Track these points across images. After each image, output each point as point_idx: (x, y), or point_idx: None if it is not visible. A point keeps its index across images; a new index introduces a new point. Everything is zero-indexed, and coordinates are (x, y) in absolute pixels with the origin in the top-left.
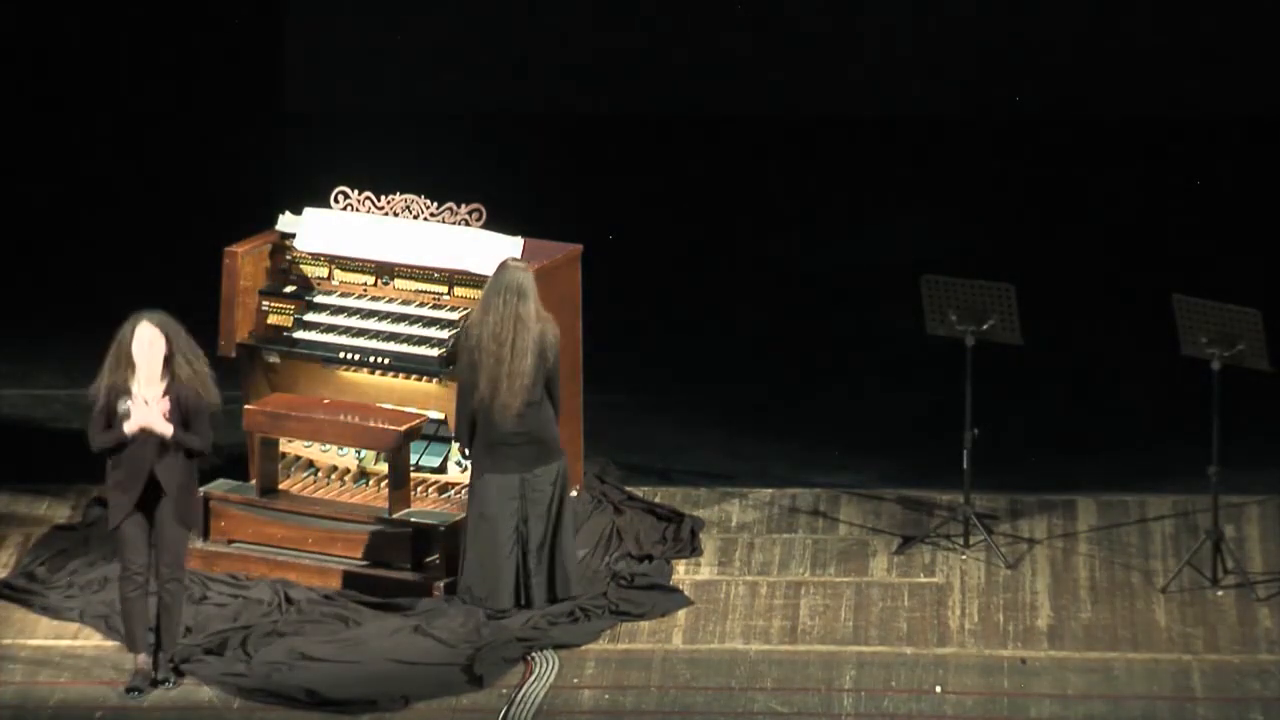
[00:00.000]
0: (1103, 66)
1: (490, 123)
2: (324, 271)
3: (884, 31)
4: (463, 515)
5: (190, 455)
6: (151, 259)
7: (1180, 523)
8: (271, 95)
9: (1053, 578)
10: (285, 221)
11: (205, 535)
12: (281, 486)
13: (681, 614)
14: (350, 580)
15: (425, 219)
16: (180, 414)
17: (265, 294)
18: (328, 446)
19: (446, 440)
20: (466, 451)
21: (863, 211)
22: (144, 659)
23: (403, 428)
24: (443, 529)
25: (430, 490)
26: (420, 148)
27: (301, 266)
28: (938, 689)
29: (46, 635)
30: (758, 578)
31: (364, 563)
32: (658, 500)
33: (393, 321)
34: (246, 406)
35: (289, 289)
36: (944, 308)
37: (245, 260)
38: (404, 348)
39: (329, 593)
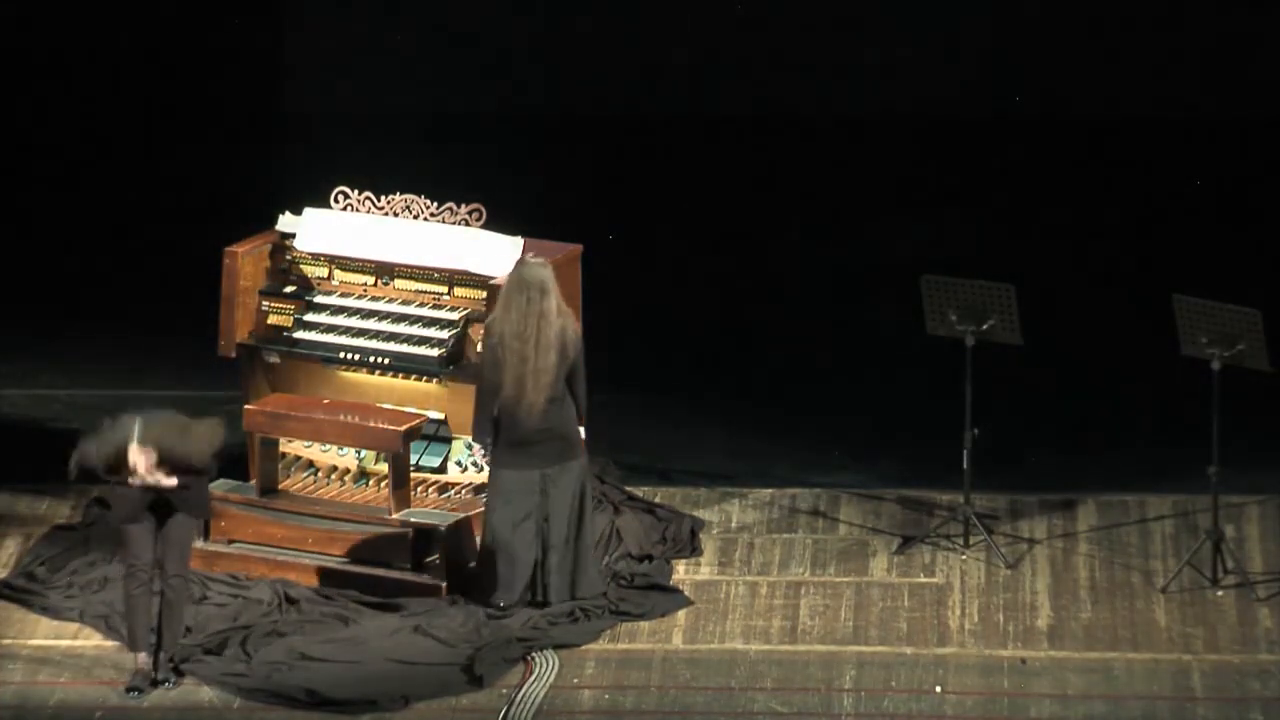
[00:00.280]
0: (1103, 66)
1: (490, 123)
2: (324, 271)
3: (884, 31)
4: (463, 516)
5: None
6: (151, 259)
7: (1180, 523)
8: (271, 95)
9: (1053, 578)
10: (285, 221)
11: (205, 535)
12: (281, 486)
13: (681, 614)
14: (350, 580)
15: (425, 219)
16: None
17: (265, 294)
18: (328, 446)
19: (446, 440)
20: (486, 449)
21: (862, 211)
22: (144, 658)
23: (403, 428)
24: (443, 529)
25: (430, 490)
26: (420, 148)
27: (301, 266)
28: (938, 689)
29: (46, 635)
30: (758, 578)
31: (364, 563)
32: (658, 500)
33: (393, 321)
34: (246, 406)
35: (289, 289)
36: (944, 308)
37: (245, 260)
38: (404, 348)
39: (329, 593)
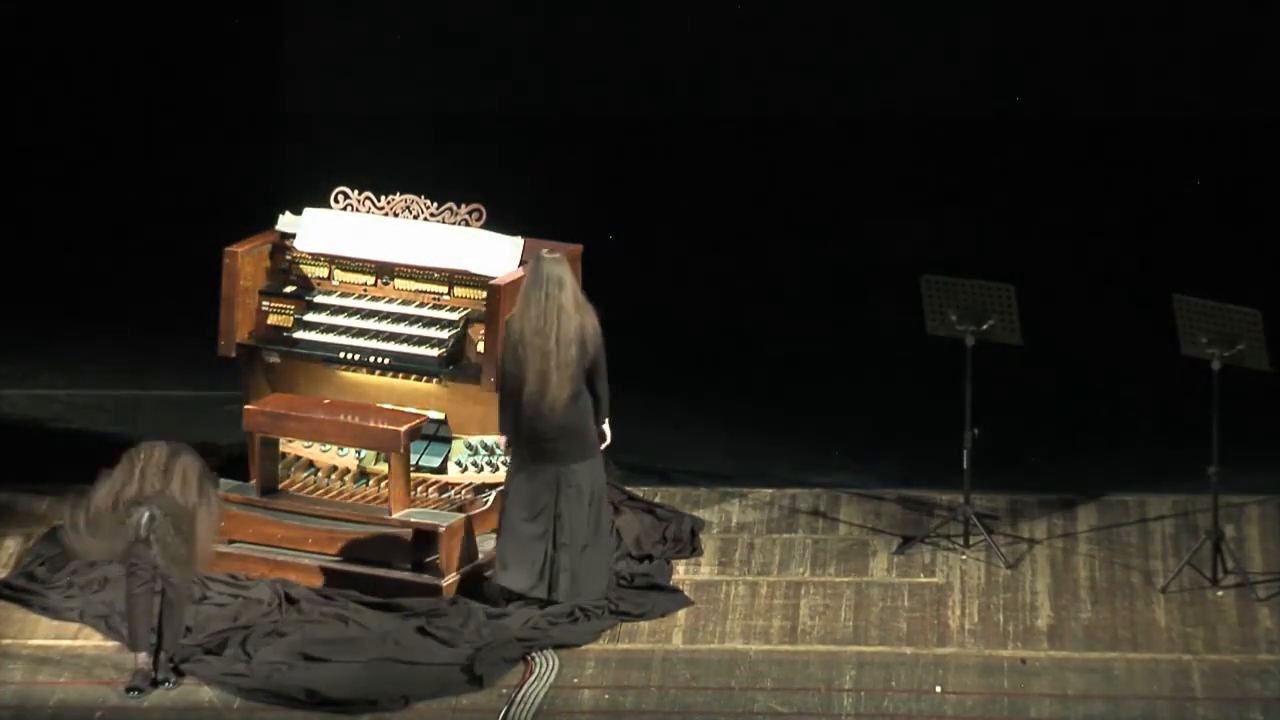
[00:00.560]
0: (1103, 66)
1: (490, 123)
2: (324, 271)
3: (884, 31)
4: (463, 516)
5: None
6: (151, 259)
7: (1180, 523)
8: (271, 95)
9: (1053, 578)
10: (285, 221)
11: None
12: (281, 486)
13: (681, 614)
14: (350, 580)
15: (425, 219)
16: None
17: (265, 294)
18: (328, 446)
19: (446, 440)
20: (506, 444)
21: (862, 211)
22: (144, 658)
23: (403, 428)
24: (443, 529)
25: (430, 490)
26: (420, 148)
27: (301, 266)
28: (938, 689)
29: (46, 635)
30: (758, 578)
31: (364, 563)
32: (658, 500)
33: (393, 321)
34: (246, 406)
35: (289, 289)
36: (944, 308)
37: (245, 260)
38: (404, 348)
39: (329, 593)
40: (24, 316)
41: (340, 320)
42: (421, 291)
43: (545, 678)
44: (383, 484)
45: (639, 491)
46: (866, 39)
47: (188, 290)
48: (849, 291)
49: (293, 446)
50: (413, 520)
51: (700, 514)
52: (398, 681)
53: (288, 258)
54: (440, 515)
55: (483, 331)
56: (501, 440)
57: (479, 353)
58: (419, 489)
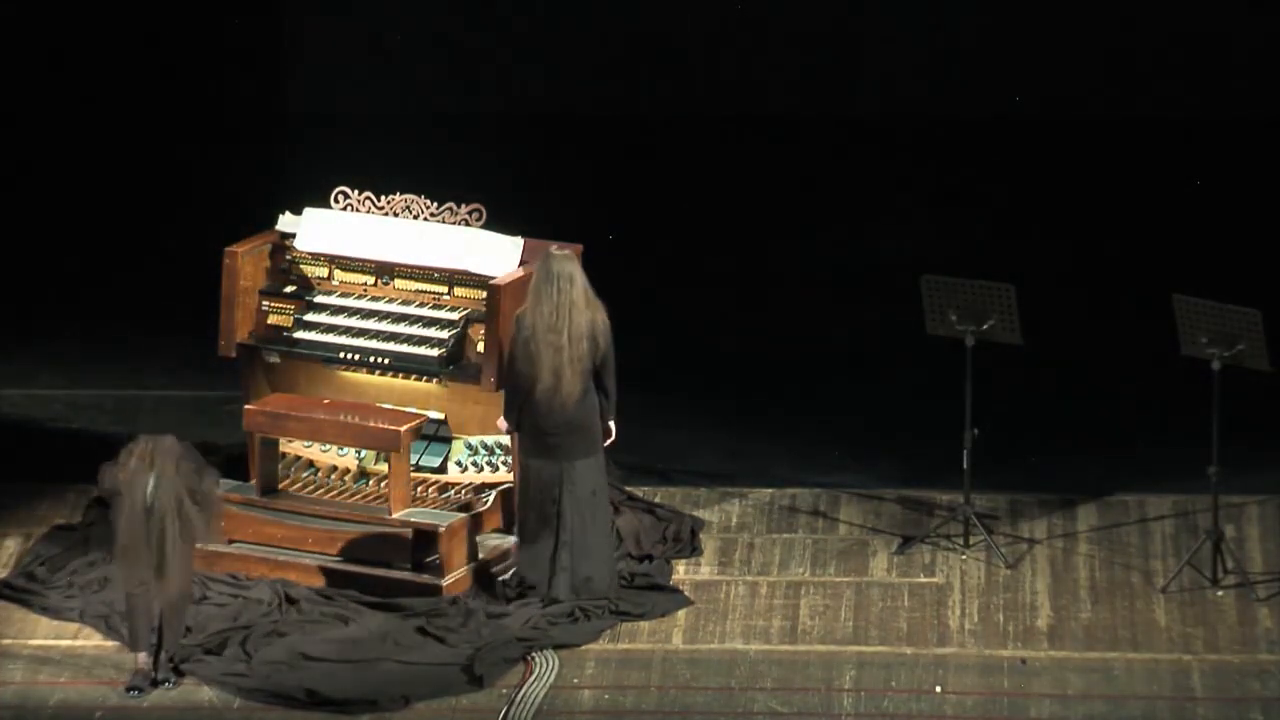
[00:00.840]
0: (1103, 66)
1: (490, 123)
2: (324, 271)
3: (884, 31)
4: (463, 516)
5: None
6: (152, 259)
7: (1180, 523)
8: (271, 95)
9: (1053, 578)
10: (285, 221)
11: None
12: (281, 486)
13: (681, 614)
14: (350, 580)
15: (425, 219)
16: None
17: (265, 294)
18: (328, 446)
19: (446, 440)
20: (514, 428)
21: (863, 211)
22: (145, 658)
23: (403, 428)
24: (443, 529)
25: (430, 490)
26: (420, 148)
27: (301, 266)
28: (938, 689)
29: (46, 635)
30: (758, 578)
31: (364, 563)
32: (658, 500)
33: (393, 321)
34: (246, 406)
35: (289, 289)
36: (944, 308)
37: (245, 260)
38: (404, 348)
39: (329, 593)
40: (24, 316)
41: (340, 320)
42: (421, 291)
43: (545, 678)
44: (383, 484)
45: (639, 491)
46: (866, 39)
47: (188, 290)
48: (849, 291)
49: (293, 446)
50: (413, 520)
51: (700, 514)
52: (398, 681)
53: (288, 258)
54: (440, 515)
55: (483, 331)
56: (503, 424)
57: (479, 353)
58: (419, 489)
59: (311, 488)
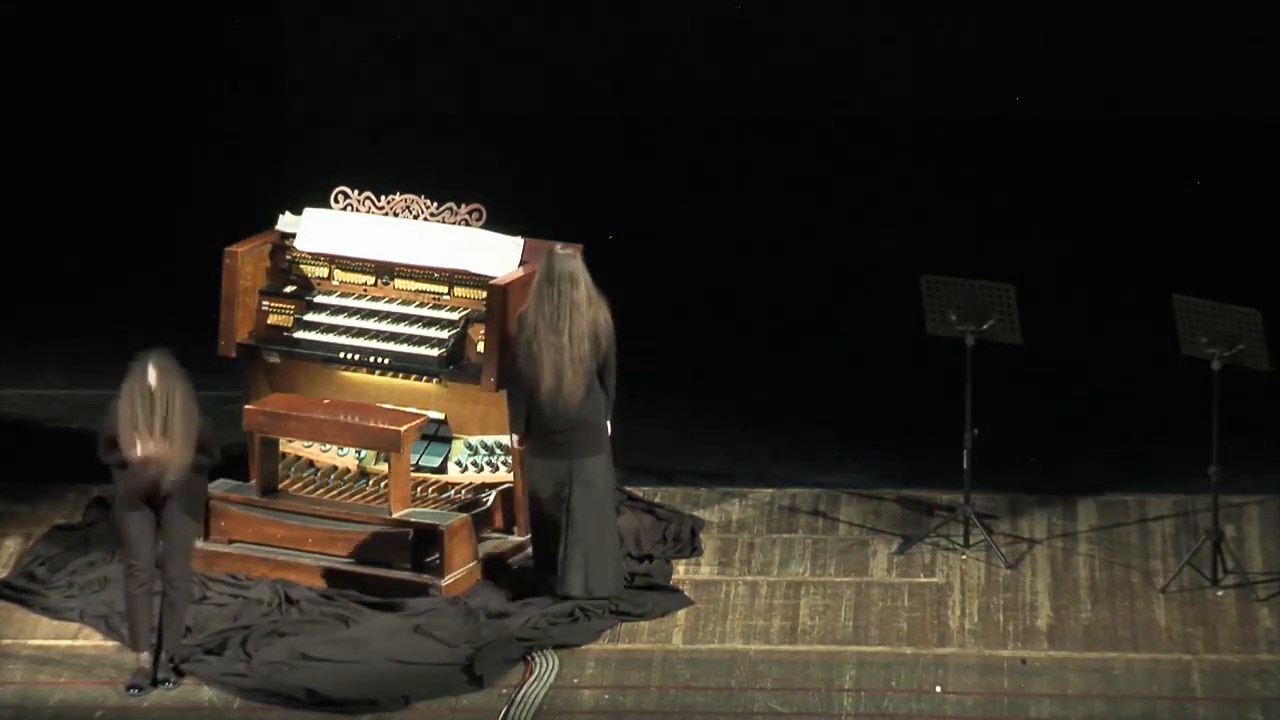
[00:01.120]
0: (1103, 66)
1: (490, 123)
2: (324, 271)
3: (884, 31)
4: (463, 516)
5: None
6: (152, 259)
7: (1180, 523)
8: (271, 95)
9: (1053, 578)
10: (285, 221)
11: (205, 535)
12: (281, 486)
13: (681, 614)
14: (350, 580)
15: (425, 219)
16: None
17: (265, 294)
18: (328, 446)
19: (446, 440)
20: (519, 440)
21: (863, 211)
22: (146, 658)
23: (403, 428)
24: (443, 529)
25: (430, 490)
26: (420, 148)
27: (301, 266)
28: (938, 689)
29: (46, 635)
30: (758, 578)
31: (364, 563)
32: (658, 500)
33: (393, 321)
34: (246, 406)
35: (289, 289)
36: (944, 308)
37: (245, 260)
38: (404, 348)
39: (329, 593)
40: (24, 316)
41: (340, 320)
42: (421, 291)
43: (545, 678)
44: (383, 484)
45: (639, 491)
46: (866, 39)
47: (188, 290)
48: (849, 291)
49: (293, 446)
50: (413, 520)
51: (700, 514)
52: (398, 681)
53: (288, 258)
54: (440, 515)
55: (483, 331)
56: (514, 438)
57: (479, 353)
58: (419, 489)
59: (311, 488)
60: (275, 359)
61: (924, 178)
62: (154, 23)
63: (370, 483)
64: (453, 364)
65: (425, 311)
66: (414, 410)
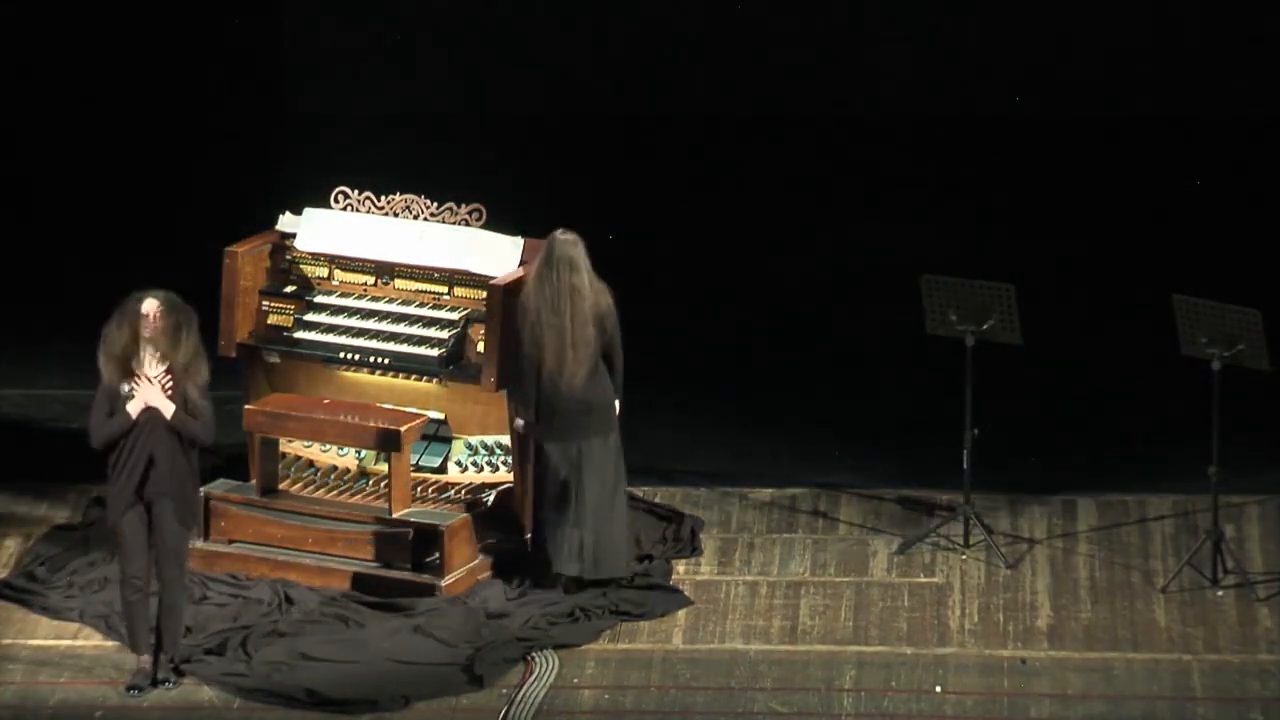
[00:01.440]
0: (1103, 66)
1: (490, 123)
2: (324, 271)
3: (884, 31)
4: (463, 516)
5: (192, 444)
6: (151, 259)
7: (1180, 523)
8: (271, 95)
9: (1053, 578)
10: (285, 221)
11: (205, 535)
12: (281, 486)
13: (681, 614)
14: (351, 580)
15: (425, 219)
16: (183, 399)
17: (265, 294)
18: (328, 446)
19: (447, 440)
20: (530, 425)
21: (863, 211)
22: (146, 658)
23: (403, 428)
24: (443, 529)
25: (430, 490)
26: (420, 148)
27: (301, 266)
28: (938, 689)
29: (46, 635)
30: (758, 578)
31: (364, 563)
32: (658, 500)
33: (393, 321)
34: (246, 406)
35: (289, 289)
36: (944, 308)
37: (245, 260)
38: (404, 348)
39: (329, 593)
40: (25, 316)
41: (340, 320)
42: (421, 291)
43: (545, 678)
44: (383, 484)
45: (639, 491)
46: (866, 39)
47: (188, 290)
48: (849, 291)
49: (293, 446)
50: (413, 520)
51: (700, 514)
52: (398, 681)
53: (288, 258)
54: (440, 515)
55: (483, 331)
56: (520, 423)
57: (479, 353)
58: (419, 489)
59: (311, 488)
60: (275, 359)
61: (924, 178)
62: (154, 23)
63: (370, 483)
64: (453, 364)
65: (425, 311)
66: (414, 410)
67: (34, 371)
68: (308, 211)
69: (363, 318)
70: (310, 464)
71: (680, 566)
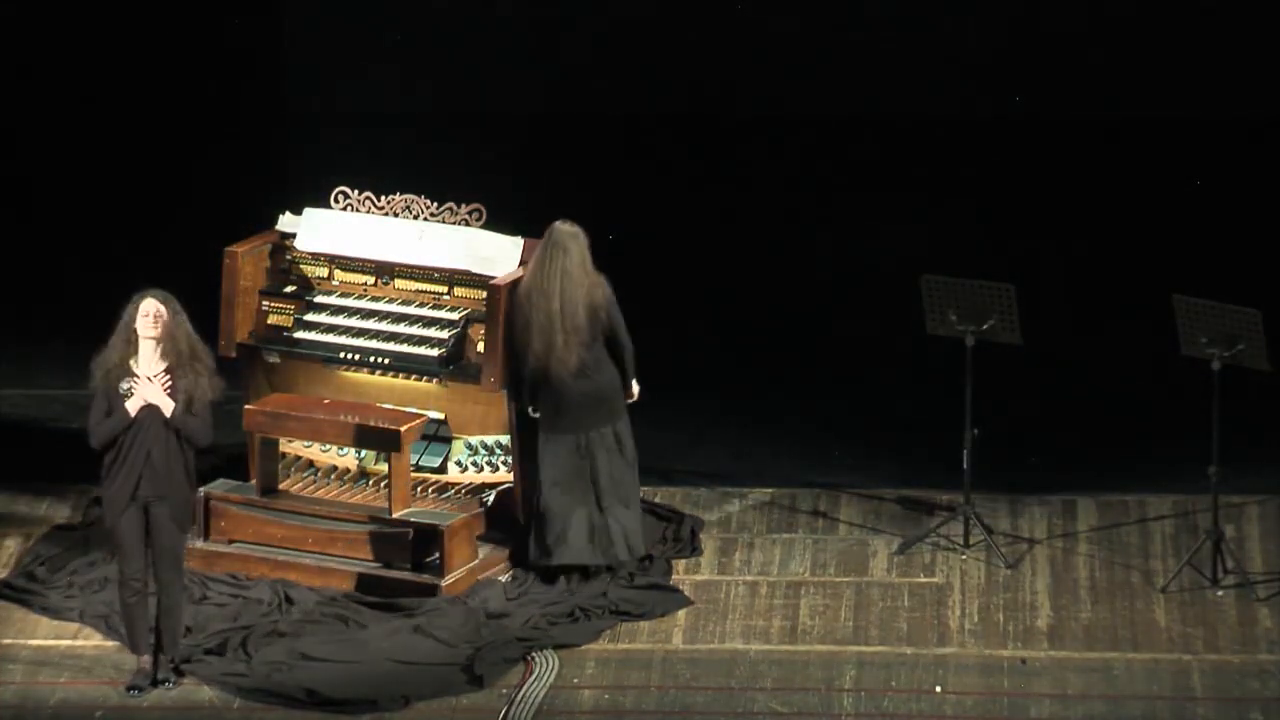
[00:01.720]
0: (1103, 66)
1: (490, 123)
2: (324, 271)
3: (884, 31)
4: (463, 516)
5: (190, 444)
6: (151, 259)
7: (1180, 523)
8: (271, 95)
9: (1053, 578)
10: (285, 221)
11: (205, 535)
12: (281, 486)
13: (681, 614)
14: (350, 580)
15: (425, 219)
16: (183, 399)
17: (265, 294)
18: (328, 446)
19: (446, 440)
20: (531, 409)
21: (863, 211)
22: (146, 659)
23: (403, 428)
24: (443, 529)
25: (430, 490)
26: (420, 148)
27: (301, 266)
28: (938, 689)
29: (46, 635)
30: (758, 578)
31: (364, 563)
32: (658, 500)
33: (393, 321)
34: (246, 406)
35: (289, 289)
36: (944, 308)
37: (245, 260)
38: (404, 348)
39: (329, 593)
40: (25, 316)
41: (340, 320)
42: (421, 291)
43: (545, 678)
44: (383, 484)
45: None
46: (866, 39)
47: (188, 290)
48: (849, 291)
49: (293, 446)
50: (413, 520)
51: (700, 514)
52: (398, 681)
53: (288, 258)
54: (440, 515)
55: (483, 331)
56: (531, 410)
57: (479, 353)
58: (419, 489)
59: (311, 488)
60: (275, 359)
61: (924, 178)
62: (154, 23)
63: (370, 483)
64: (453, 364)
65: (425, 311)
66: (414, 410)
67: (34, 371)
68: (308, 211)
69: (363, 318)
70: (310, 464)
71: (680, 566)
